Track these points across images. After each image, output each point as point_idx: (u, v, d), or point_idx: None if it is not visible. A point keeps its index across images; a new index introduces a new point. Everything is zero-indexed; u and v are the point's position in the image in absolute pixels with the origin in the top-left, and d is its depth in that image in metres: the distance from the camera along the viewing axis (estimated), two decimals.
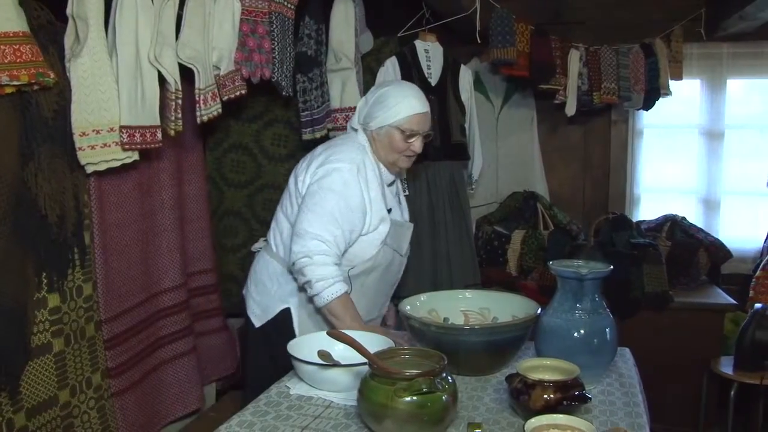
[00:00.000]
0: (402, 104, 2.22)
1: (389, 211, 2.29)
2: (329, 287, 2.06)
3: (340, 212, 2.12)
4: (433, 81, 3.41)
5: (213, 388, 2.92)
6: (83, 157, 1.88)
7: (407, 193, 2.44)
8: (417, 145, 2.25)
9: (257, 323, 2.26)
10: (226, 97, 2.28)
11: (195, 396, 2.56)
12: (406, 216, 2.45)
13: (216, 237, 3.12)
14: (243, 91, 2.36)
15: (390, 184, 2.37)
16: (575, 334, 1.80)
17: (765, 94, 4.22)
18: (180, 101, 2.04)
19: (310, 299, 2.13)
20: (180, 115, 2.06)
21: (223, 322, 2.91)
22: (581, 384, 1.58)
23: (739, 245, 4.11)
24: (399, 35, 3.45)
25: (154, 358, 2.41)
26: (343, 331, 1.81)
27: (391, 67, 3.29)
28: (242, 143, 3.19)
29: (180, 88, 2.03)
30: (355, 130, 2.32)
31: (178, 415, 2.52)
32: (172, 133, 2.07)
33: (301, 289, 2.18)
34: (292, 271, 2.15)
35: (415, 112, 2.22)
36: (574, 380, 1.57)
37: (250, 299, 2.31)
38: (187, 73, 2.12)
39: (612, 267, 1.87)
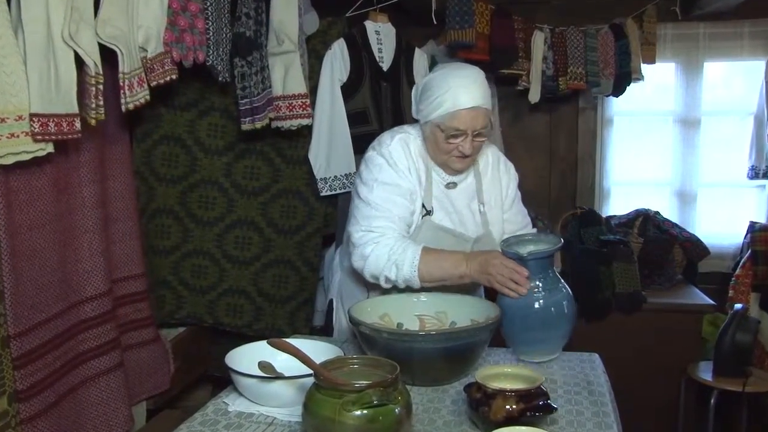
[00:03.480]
0: (444, 97, 2.14)
1: (429, 212, 2.28)
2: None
3: None
4: (385, 66, 3.42)
5: (143, 408, 2.86)
6: None
7: (482, 210, 2.40)
8: (465, 146, 2.17)
9: None
10: (154, 83, 2.24)
11: (122, 417, 2.50)
12: (474, 228, 2.36)
13: (146, 238, 3.06)
14: (174, 76, 2.31)
15: (451, 186, 2.34)
16: (535, 306, 2.04)
17: (744, 77, 4.31)
18: (101, 86, 1.99)
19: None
20: (101, 103, 2.01)
21: (155, 334, 2.86)
22: (545, 393, 1.60)
23: (717, 241, 4.21)
24: (347, 15, 3.44)
25: (74, 377, 2.34)
26: (285, 340, 1.80)
27: (339, 50, 3.30)
28: (174, 134, 3.14)
29: (101, 72, 1.98)
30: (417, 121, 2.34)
31: None
32: (93, 122, 2.02)
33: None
34: None
35: (457, 109, 2.13)
36: (537, 389, 1.59)
37: None
38: (109, 55, 2.07)
39: (561, 241, 2.09)
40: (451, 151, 2.20)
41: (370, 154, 2.32)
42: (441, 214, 2.31)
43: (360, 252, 2.21)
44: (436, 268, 2.14)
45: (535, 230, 2.57)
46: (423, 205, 2.28)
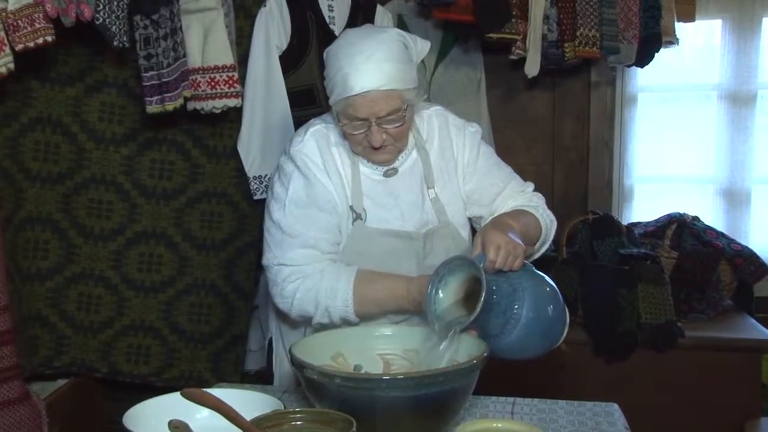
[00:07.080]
0: (334, 80, 2.21)
1: (357, 216, 2.33)
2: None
3: None
4: (337, 28, 3.43)
5: None
6: None
7: (433, 195, 2.44)
8: (372, 137, 2.23)
9: None
10: (21, 46, 2.24)
11: None
12: (424, 219, 2.41)
13: (11, 258, 3.03)
14: (49, 38, 2.31)
15: (391, 174, 2.39)
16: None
17: None
18: None
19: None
20: None
21: (23, 389, 2.81)
22: None
23: None
24: None
25: None
26: (206, 390, 1.78)
27: (276, 8, 3.32)
28: (52, 116, 3.11)
29: None
30: None
31: None
32: None
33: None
34: None
35: (349, 95, 2.17)
36: None
37: None
38: None
39: (481, 269, 1.99)
40: (360, 142, 2.28)
41: (281, 158, 2.42)
42: (380, 213, 2.37)
43: (279, 291, 2.35)
44: (374, 307, 2.33)
45: (532, 186, 2.67)
46: (352, 208, 2.35)
